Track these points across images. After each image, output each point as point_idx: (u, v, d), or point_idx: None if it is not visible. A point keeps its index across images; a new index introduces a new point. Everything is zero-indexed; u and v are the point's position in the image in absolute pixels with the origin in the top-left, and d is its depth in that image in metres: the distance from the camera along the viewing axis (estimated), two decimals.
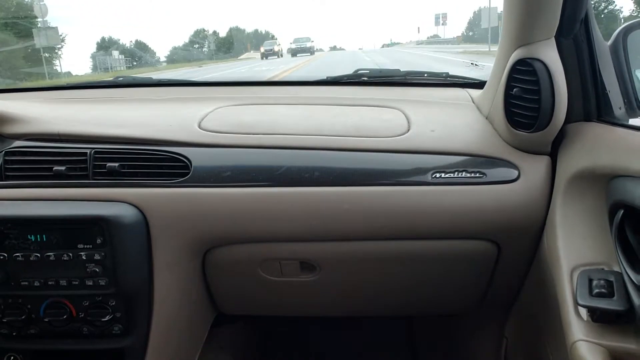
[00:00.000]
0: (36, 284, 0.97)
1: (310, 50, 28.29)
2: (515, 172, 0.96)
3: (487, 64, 1.35)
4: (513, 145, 0.98)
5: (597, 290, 0.73)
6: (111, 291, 0.98)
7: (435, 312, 1.42)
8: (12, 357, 1.08)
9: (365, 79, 1.35)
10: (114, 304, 1.00)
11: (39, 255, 0.95)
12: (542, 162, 0.96)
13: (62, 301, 1.00)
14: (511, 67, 0.91)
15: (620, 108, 0.89)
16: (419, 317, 1.65)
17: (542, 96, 0.87)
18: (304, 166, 0.98)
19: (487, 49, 14.44)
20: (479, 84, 1.25)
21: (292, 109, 1.19)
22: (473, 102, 1.17)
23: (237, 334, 1.54)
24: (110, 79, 1.60)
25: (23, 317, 1.00)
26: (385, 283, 1.13)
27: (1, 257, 0.96)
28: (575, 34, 0.89)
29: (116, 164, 0.99)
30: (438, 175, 0.96)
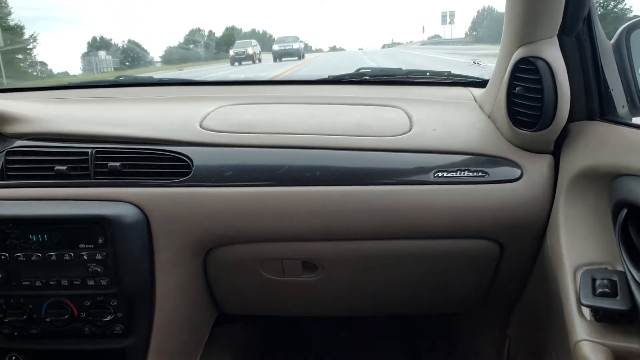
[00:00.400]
0: (37, 283, 0.97)
1: (298, 54, 21.69)
2: (518, 171, 0.95)
3: (489, 63, 1.34)
4: (515, 144, 0.97)
5: (600, 290, 0.72)
6: (113, 291, 0.98)
7: (437, 311, 1.42)
8: (13, 357, 1.08)
9: (367, 77, 1.35)
10: (115, 303, 1.00)
11: (40, 255, 0.95)
12: (545, 161, 0.95)
13: (64, 301, 0.99)
14: (513, 65, 0.91)
15: (623, 106, 0.88)
16: (421, 316, 1.65)
17: (544, 95, 0.87)
18: (306, 165, 0.98)
19: None
20: (481, 83, 1.24)
21: (294, 108, 1.19)
22: (475, 101, 1.17)
23: (237, 334, 1.53)
24: (111, 78, 1.60)
25: (24, 317, 1.00)
26: (387, 282, 1.13)
27: (3, 257, 0.96)
28: (577, 32, 0.89)
29: (117, 164, 0.99)
30: (440, 174, 0.96)
